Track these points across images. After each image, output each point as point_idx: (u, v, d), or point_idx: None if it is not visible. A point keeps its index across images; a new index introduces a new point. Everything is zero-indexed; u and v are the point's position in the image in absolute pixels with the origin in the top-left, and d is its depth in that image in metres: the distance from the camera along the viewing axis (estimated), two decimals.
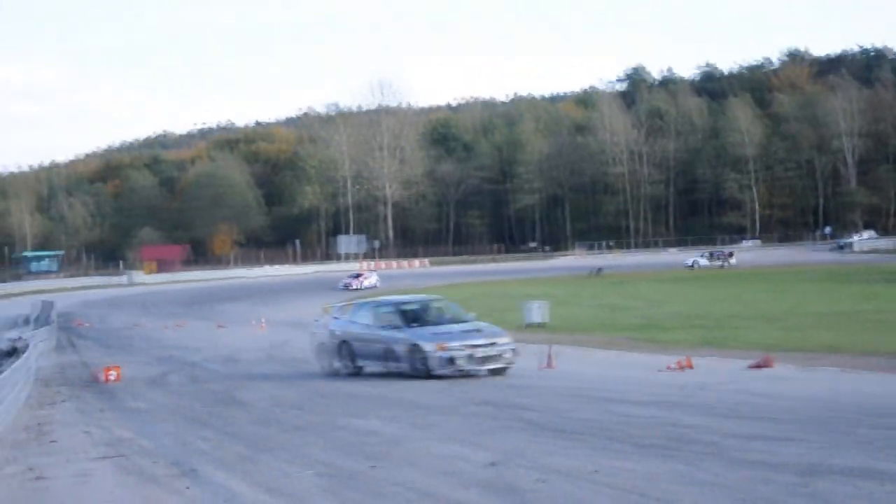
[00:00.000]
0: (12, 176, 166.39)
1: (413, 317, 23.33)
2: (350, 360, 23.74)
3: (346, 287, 73.74)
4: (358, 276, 78.99)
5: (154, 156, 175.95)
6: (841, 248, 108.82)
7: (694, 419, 14.97)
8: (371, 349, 23.33)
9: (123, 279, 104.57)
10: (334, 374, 23.90)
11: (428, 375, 21.48)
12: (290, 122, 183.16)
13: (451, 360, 21.58)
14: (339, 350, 24.04)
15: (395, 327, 22.82)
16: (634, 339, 33.57)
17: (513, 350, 22.77)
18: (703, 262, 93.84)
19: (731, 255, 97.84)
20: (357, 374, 23.47)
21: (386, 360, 22.89)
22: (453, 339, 21.99)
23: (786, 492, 9.74)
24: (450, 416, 16.53)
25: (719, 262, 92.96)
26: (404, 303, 24.60)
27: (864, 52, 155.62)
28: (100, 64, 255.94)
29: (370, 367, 23.54)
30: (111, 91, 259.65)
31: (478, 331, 22.75)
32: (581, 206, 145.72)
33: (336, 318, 25.52)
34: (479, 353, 22.03)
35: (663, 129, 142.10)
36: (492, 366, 22.23)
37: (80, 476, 12.35)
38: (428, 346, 21.74)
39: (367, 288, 71.43)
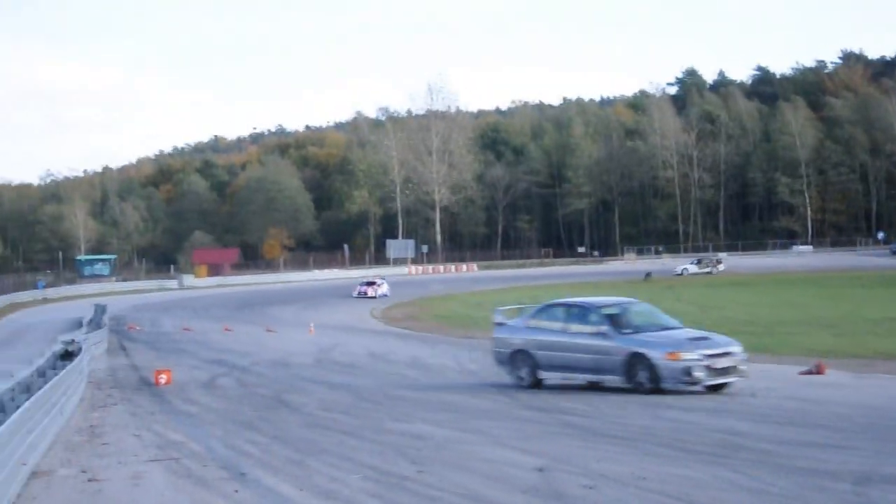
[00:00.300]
0: (67, 181, 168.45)
1: (621, 322, 20.43)
2: (529, 370, 21.07)
3: (362, 295, 70.67)
4: (371, 283, 74.19)
5: (206, 160, 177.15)
6: (894, 253, 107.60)
7: (744, 426, 14.91)
8: (565, 359, 20.44)
9: (175, 283, 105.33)
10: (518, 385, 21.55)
11: (653, 390, 18.89)
12: (340, 126, 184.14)
13: (687, 372, 18.66)
14: (511, 360, 21.46)
15: (601, 334, 19.93)
16: None
17: (745, 361, 19.96)
18: (693, 268, 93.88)
19: (719, 261, 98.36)
20: (536, 386, 20.86)
21: (592, 371, 20.14)
22: (685, 348, 19.09)
23: (838, 500, 9.69)
24: (497, 420, 16.54)
25: (707, 269, 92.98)
26: (605, 305, 21.34)
27: None
28: (152, 68, 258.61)
29: (558, 378, 20.89)
30: (164, 96, 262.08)
31: (706, 338, 19.94)
32: (631, 211, 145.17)
33: (503, 323, 22.51)
34: (718, 363, 19.12)
35: (715, 132, 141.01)
36: (729, 378, 19.47)
37: (133, 478, 12.46)
38: (655, 356, 19.00)
39: (381, 296, 69.97)
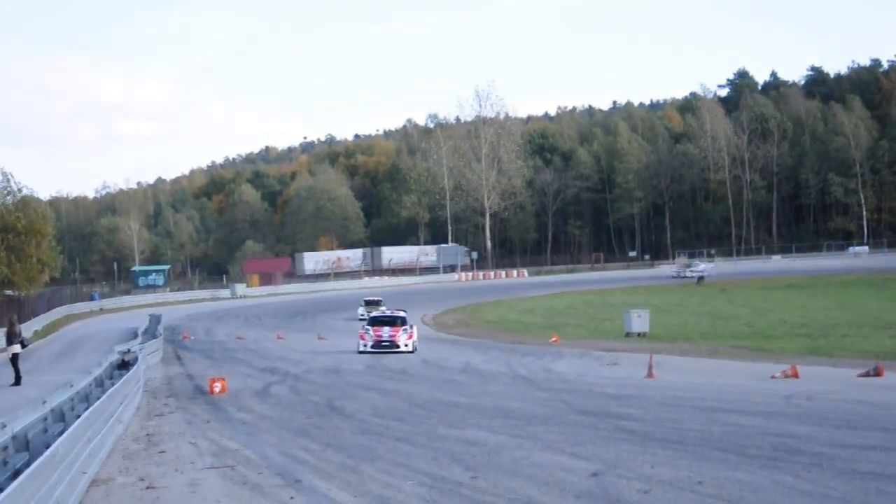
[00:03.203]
0: (122, 193, 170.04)
1: None
2: None
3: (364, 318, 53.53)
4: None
5: (257, 171, 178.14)
6: None
7: (801, 429, 14.84)
8: None
9: (227, 292, 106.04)
10: None
11: None
12: (389, 134, 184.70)
13: None
14: None
15: None
16: (738, 347, 33.38)
17: None
18: (674, 269, 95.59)
19: (695, 264, 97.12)
20: None
21: None
22: None
23: (891, 501, 9.61)
24: (550, 425, 16.53)
25: (695, 274, 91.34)
26: None
27: None
28: (203, 81, 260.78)
29: None
30: (215, 108, 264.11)
31: None
32: (683, 214, 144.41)
33: None
34: None
35: (766, 134, 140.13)
36: None
37: (189, 486, 12.57)
38: None
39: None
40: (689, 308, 55.24)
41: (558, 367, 28.66)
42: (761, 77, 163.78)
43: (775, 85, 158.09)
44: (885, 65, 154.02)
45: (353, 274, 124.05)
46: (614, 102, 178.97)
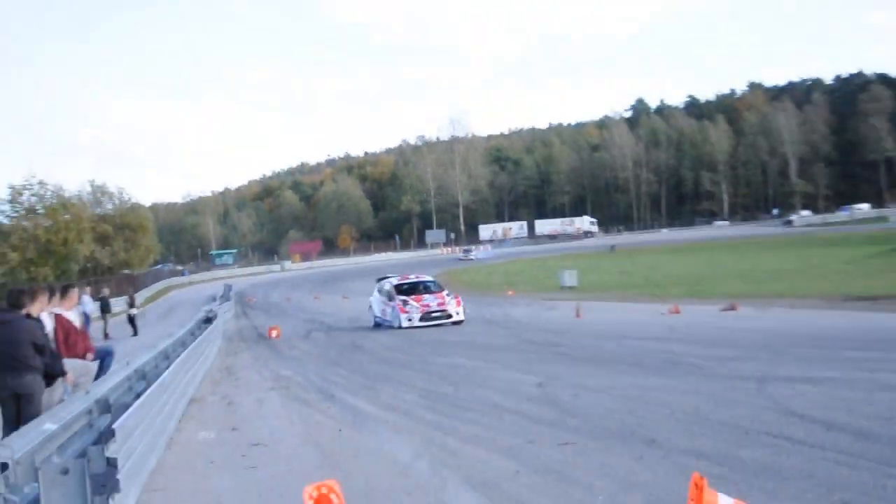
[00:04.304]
0: (200, 198, 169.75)
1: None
2: None
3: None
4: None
5: (295, 180, 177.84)
6: (787, 224, 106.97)
7: (682, 348, 14.97)
8: None
9: (277, 267, 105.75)
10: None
11: None
12: (389, 151, 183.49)
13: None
14: None
15: None
16: (639, 294, 33.46)
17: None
18: (459, 254, 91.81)
19: (469, 250, 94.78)
20: None
21: None
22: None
23: (746, 394, 9.79)
24: (508, 352, 16.64)
25: (463, 255, 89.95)
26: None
27: (803, 81, 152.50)
28: (253, 108, 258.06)
29: None
30: (262, 130, 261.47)
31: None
32: (599, 202, 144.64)
33: None
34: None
35: (658, 143, 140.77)
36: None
37: (257, 401, 12.71)
38: None
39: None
40: (605, 268, 55.34)
41: (514, 312, 28.72)
42: (654, 102, 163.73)
43: (664, 108, 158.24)
44: (739, 92, 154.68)
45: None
46: (550, 123, 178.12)
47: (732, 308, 23.02)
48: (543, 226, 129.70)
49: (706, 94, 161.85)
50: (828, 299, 22.68)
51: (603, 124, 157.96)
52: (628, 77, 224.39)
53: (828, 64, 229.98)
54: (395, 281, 26.46)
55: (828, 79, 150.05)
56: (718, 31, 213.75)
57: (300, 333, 25.45)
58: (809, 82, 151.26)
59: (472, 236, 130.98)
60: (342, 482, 4.81)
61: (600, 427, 8.64)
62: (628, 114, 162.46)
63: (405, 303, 24.50)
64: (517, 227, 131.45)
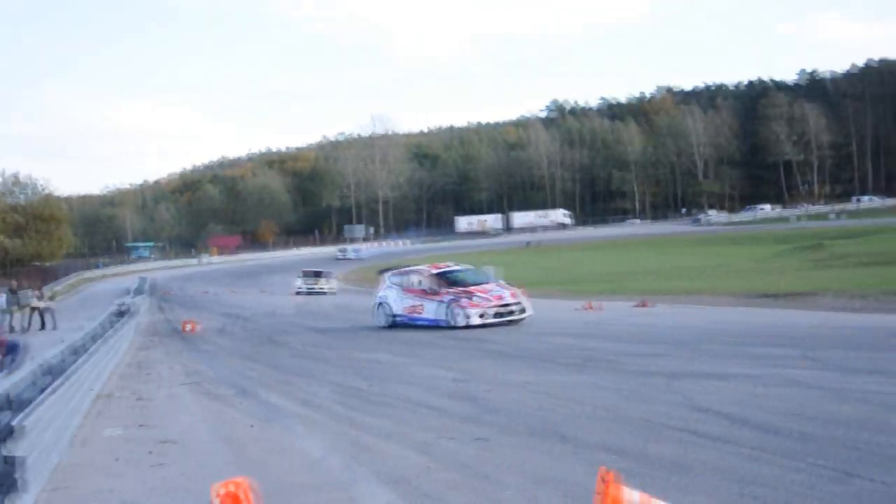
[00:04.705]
0: (118, 191, 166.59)
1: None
2: None
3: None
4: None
5: (215, 174, 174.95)
6: (695, 222, 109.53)
7: (597, 343, 15.10)
8: None
9: (195, 261, 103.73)
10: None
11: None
12: (311, 146, 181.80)
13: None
14: None
15: None
16: (559, 290, 33.72)
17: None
18: (337, 253, 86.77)
19: (344, 249, 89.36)
20: None
21: None
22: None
23: (657, 390, 9.87)
24: (430, 348, 16.53)
25: (341, 254, 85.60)
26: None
27: (710, 86, 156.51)
28: (177, 101, 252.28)
29: None
30: (186, 123, 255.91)
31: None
32: (517, 200, 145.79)
33: None
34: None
35: (573, 143, 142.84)
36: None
37: (168, 397, 12.35)
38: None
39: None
40: (526, 264, 55.74)
41: None
42: (570, 104, 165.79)
43: (579, 109, 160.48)
44: (649, 95, 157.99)
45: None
46: (469, 122, 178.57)
47: (643, 305, 23.34)
48: (521, 218, 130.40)
49: (619, 96, 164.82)
50: (736, 296, 23.16)
51: (521, 124, 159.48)
52: (546, 78, 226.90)
53: (733, 70, 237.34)
54: (430, 270, 21.26)
55: (732, 84, 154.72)
56: (631, 37, 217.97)
57: (216, 327, 24.93)
58: (716, 87, 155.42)
59: (396, 231, 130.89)
60: (252, 479, 4.61)
61: (515, 423, 8.59)
62: (545, 114, 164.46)
63: (470, 295, 19.52)
64: (492, 220, 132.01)
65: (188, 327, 23.85)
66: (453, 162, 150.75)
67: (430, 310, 20.02)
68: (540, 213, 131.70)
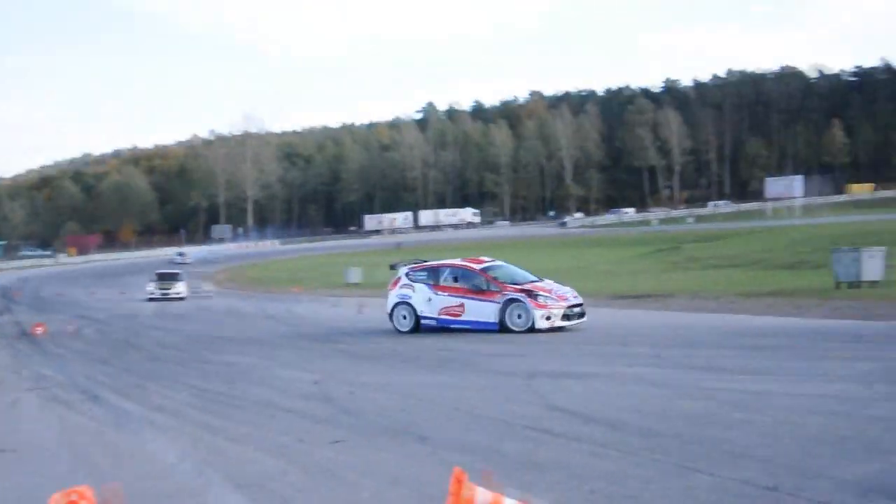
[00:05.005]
0: None
1: None
2: None
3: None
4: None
5: (76, 170, 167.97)
6: (561, 225, 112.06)
7: (459, 344, 15.21)
8: None
9: (51, 261, 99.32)
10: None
11: None
12: (180, 144, 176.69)
13: None
14: None
15: None
16: None
17: None
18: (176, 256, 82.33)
19: (182, 252, 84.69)
20: None
21: None
22: None
23: (515, 389, 10.05)
24: (288, 349, 16.37)
25: (179, 257, 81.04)
26: None
27: (579, 91, 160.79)
28: (41, 96, 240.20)
29: None
30: (49, 120, 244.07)
31: None
32: (388, 201, 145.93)
33: None
34: None
35: (445, 145, 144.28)
36: None
37: (11, 403, 11.69)
38: None
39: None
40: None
41: (297, 308, 28.35)
42: (443, 106, 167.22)
43: (452, 112, 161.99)
44: (521, 100, 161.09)
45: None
46: (342, 122, 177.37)
47: None
48: (429, 216, 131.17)
49: (492, 100, 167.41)
50: (596, 297, 23.77)
51: (394, 125, 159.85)
52: (420, 81, 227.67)
53: (601, 78, 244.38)
54: (473, 265, 18.09)
55: (601, 91, 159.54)
56: (504, 43, 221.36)
57: (69, 330, 23.82)
58: (585, 94, 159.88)
59: (259, 231, 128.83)
60: (96, 488, 4.42)
61: (373, 424, 8.60)
62: (419, 116, 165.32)
63: (533, 294, 16.82)
64: (402, 218, 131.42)
65: (39, 330, 22.74)
66: (326, 162, 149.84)
67: (476, 311, 17.20)
68: (449, 211, 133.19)
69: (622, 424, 7.78)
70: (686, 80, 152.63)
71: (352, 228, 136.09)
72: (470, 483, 4.92)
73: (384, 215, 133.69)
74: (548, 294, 16.87)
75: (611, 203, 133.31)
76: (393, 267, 19.63)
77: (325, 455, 7.37)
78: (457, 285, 17.68)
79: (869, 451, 6.47)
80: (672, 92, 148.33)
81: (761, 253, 40.33)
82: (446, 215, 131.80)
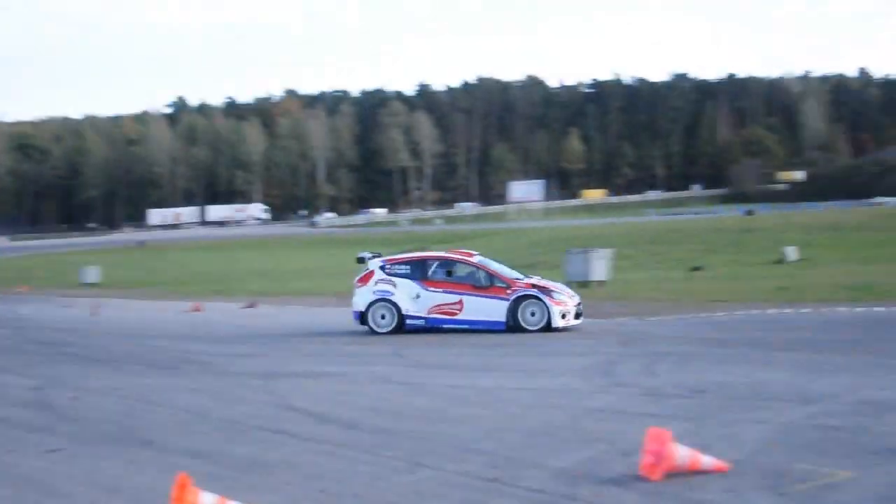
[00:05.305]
0: None
1: None
2: None
3: None
4: None
5: None
6: (312, 224, 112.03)
7: (197, 346, 14.83)
8: None
9: None
10: None
11: None
12: None
13: None
14: None
15: None
16: (165, 291, 32.62)
17: None
18: None
19: None
20: None
21: None
22: None
23: (251, 391, 9.91)
24: (7, 354, 15.04)
25: None
26: None
27: (334, 92, 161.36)
28: None
29: None
30: None
31: None
32: (133, 197, 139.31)
33: None
34: None
35: (196, 141, 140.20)
36: None
37: None
38: None
39: None
40: (131, 265, 53.06)
41: (23, 310, 26.15)
42: (194, 101, 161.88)
43: (204, 107, 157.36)
44: (276, 97, 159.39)
45: None
46: (84, 114, 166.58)
47: (252, 305, 23.35)
48: (217, 212, 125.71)
49: (245, 97, 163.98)
50: (340, 297, 23.87)
51: (142, 119, 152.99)
52: (170, 73, 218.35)
53: (357, 79, 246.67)
54: (469, 258, 16.10)
55: (356, 92, 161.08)
56: (259, 40, 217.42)
57: None
58: (339, 94, 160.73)
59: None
60: None
61: (96, 431, 8.17)
62: (168, 110, 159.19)
63: (549, 292, 15.18)
64: (188, 213, 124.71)
65: None
66: (65, 155, 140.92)
67: (477, 309, 15.27)
68: (238, 206, 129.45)
69: (357, 423, 7.85)
70: (438, 86, 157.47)
71: (90, 225, 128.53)
72: (194, 488, 4.80)
73: (167, 210, 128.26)
74: (560, 291, 15.50)
75: (363, 203, 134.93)
76: (361, 260, 16.87)
77: (37, 465, 6.91)
78: (451, 280, 15.70)
79: (582, 440, 6.90)
80: (425, 96, 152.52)
81: (503, 253, 42.00)
82: (235, 210, 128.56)
